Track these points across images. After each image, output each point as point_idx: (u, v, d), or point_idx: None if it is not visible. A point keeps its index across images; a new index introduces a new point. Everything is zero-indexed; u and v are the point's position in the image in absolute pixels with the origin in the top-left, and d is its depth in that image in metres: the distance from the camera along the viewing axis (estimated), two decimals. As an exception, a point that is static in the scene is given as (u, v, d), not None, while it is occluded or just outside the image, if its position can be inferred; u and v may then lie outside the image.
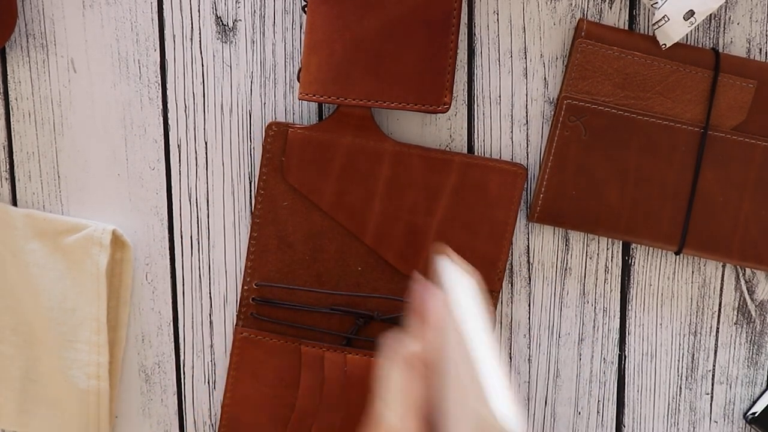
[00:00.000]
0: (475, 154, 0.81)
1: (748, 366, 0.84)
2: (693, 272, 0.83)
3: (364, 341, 0.80)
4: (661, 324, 0.83)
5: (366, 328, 0.80)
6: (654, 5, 0.76)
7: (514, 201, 0.78)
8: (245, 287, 0.80)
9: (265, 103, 0.81)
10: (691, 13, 0.75)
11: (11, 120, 0.83)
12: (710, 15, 0.79)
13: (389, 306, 0.79)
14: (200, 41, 0.81)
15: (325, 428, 0.79)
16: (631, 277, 0.83)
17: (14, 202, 0.83)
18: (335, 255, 0.79)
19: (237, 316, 0.81)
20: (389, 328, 0.80)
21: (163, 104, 0.82)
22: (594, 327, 0.83)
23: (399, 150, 0.77)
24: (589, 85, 0.78)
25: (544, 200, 0.79)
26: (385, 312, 0.79)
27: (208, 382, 0.84)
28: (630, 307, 0.83)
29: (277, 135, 0.78)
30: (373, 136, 0.77)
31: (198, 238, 0.83)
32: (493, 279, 0.79)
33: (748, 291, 0.83)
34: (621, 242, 0.82)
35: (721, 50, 0.80)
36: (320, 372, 0.79)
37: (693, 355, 0.84)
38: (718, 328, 0.83)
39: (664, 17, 0.75)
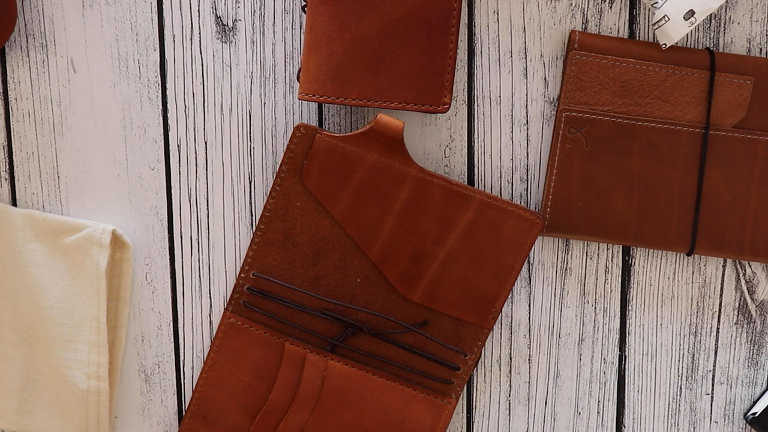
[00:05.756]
0: (475, 154, 0.81)
1: (748, 366, 0.84)
2: (693, 272, 0.83)
3: (348, 350, 0.80)
4: (661, 324, 0.83)
5: (352, 339, 0.80)
6: (654, 5, 0.76)
7: (525, 248, 0.78)
8: (242, 275, 0.80)
9: (265, 103, 0.81)
10: (691, 13, 0.75)
11: (11, 120, 0.82)
12: (710, 15, 0.79)
13: (379, 322, 0.80)
14: (200, 41, 0.81)
15: (291, 427, 0.80)
16: (632, 277, 0.83)
17: (14, 202, 0.83)
18: (337, 263, 0.79)
19: (228, 301, 0.81)
20: (375, 343, 0.80)
21: (162, 104, 0.82)
22: (594, 327, 0.83)
23: (422, 177, 0.77)
24: (587, 95, 0.79)
25: (552, 213, 0.80)
26: (374, 327, 0.80)
27: (208, 383, 0.84)
28: (630, 308, 0.83)
29: (304, 137, 0.78)
30: (399, 158, 0.77)
31: (198, 238, 0.83)
32: (488, 317, 0.79)
33: (748, 291, 0.83)
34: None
35: (721, 50, 0.80)
36: (299, 372, 0.79)
37: (693, 355, 0.84)
38: (718, 329, 0.83)
39: (664, 17, 0.75)
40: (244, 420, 0.81)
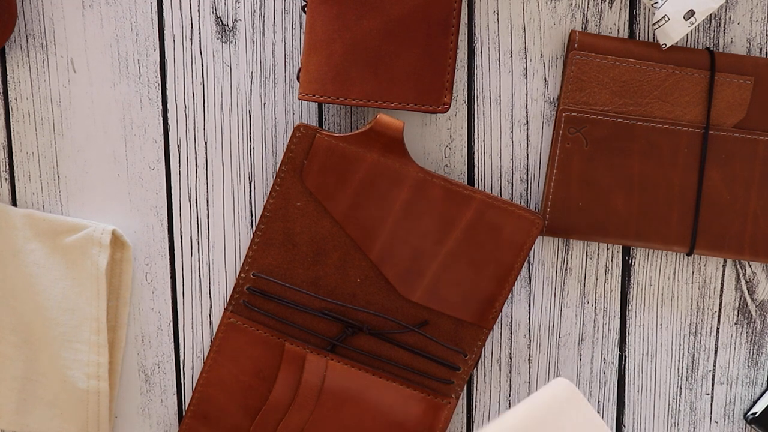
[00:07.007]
0: (475, 154, 0.81)
1: (748, 366, 0.84)
2: (693, 272, 0.83)
3: (348, 350, 0.80)
4: (661, 324, 0.83)
5: (352, 339, 0.80)
6: (654, 5, 0.76)
7: (525, 248, 0.78)
8: (242, 275, 0.80)
9: (265, 103, 0.81)
10: (691, 13, 0.75)
11: (11, 120, 0.83)
12: (710, 15, 0.79)
13: (379, 322, 0.80)
14: (200, 41, 0.81)
15: (291, 427, 0.80)
16: (632, 277, 0.83)
17: (14, 202, 0.83)
18: (337, 262, 0.79)
19: (228, 301, 0.81)
20: (375, 343, 0.80)
21: (162, 104, 0.82)
22: (594, 327, 0.83)
23: (422, 177, 0.77)
24: (587, 95, 0.79)
25: (552, 214, 0.80)
26: (375, 327, 0.80)
27: (208, 383, 0.84)
28: (630, 308, 0.83)
29: (304, 137, 0.77)
30: (399, 158, 0.77)
31: (198, 238, 0.83)
32: (488, 317, 0.79)
33: (748, 291, 0.83)
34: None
35: (721, 50, 0.80)
36: (299, 372, 0.79)
37: (693, 355, 0.84)
38: (718, 329, 0.83)
39: (664, 17, 0.75)
40: (244, 420, 0.81)
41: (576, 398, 0.67)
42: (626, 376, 0.84)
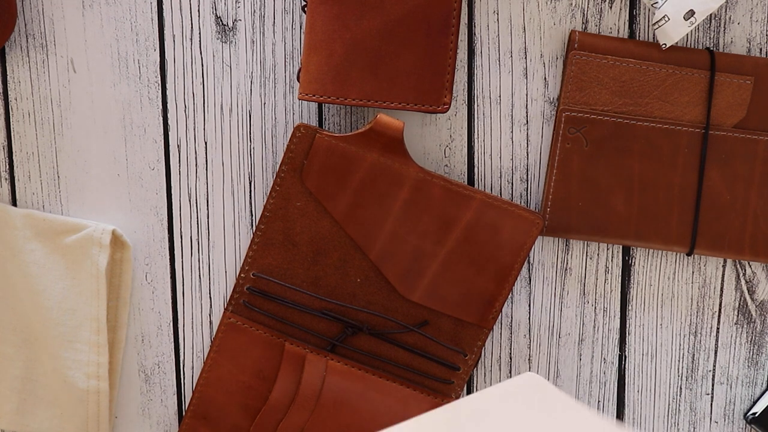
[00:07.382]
0: (475, 154, 0.81)
1: (748, 366, 0.84)
2: (693, 272, 0.83)
3: (347, 350, 0.80)
4: (661, 324, 0.83)
5: (352, 339, 0.80)
6: (654, 5, 0.76)
7: (525, 248, 0.78)
8: (242, 275, 0.80)
9: (265, 103, 0.81)
10: (691, 13, 0.75)
11: (11, 120, 0.83)
12: (710, 15, 0.79)
13: (379, 322, 0.80)
14: (200, 41, 0.81)
15: (291, 427, 0.80)
16: (632, 277, 0.83)
17: (14, 202, 0.83)
18: (337, 263, 0.79)
19: (228, 301, 0.81)
20: (375, 343, 0.80)
21: (162, 104, 0.82)
22: (594, 327, 0.83)
23: (422, 177, 0.77)
24: (587, 95, 0.79)
25: (552, 213, 0.80)
26: (374, 327, 0.80)
27: (208, 383, 0.84)
28: (630, 308, 0.83)
29: (304, 137, 0.78)
30: (399, 158, 0.77)
31: (198, 238, 0.83)
32: (488, 317, 0.79)
33: (748, 291, 0.83)
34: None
35: (721, 50, 0.80)
36: (299, 372, 0.80)
37: (693, 355, 0.84)
38: (718, 329, 0.83)
39: (664, 17, 0.75)
40: (244, 420, 0.81)
41: (542, 384, 0.66)
42: (626, 376, 0.84)
